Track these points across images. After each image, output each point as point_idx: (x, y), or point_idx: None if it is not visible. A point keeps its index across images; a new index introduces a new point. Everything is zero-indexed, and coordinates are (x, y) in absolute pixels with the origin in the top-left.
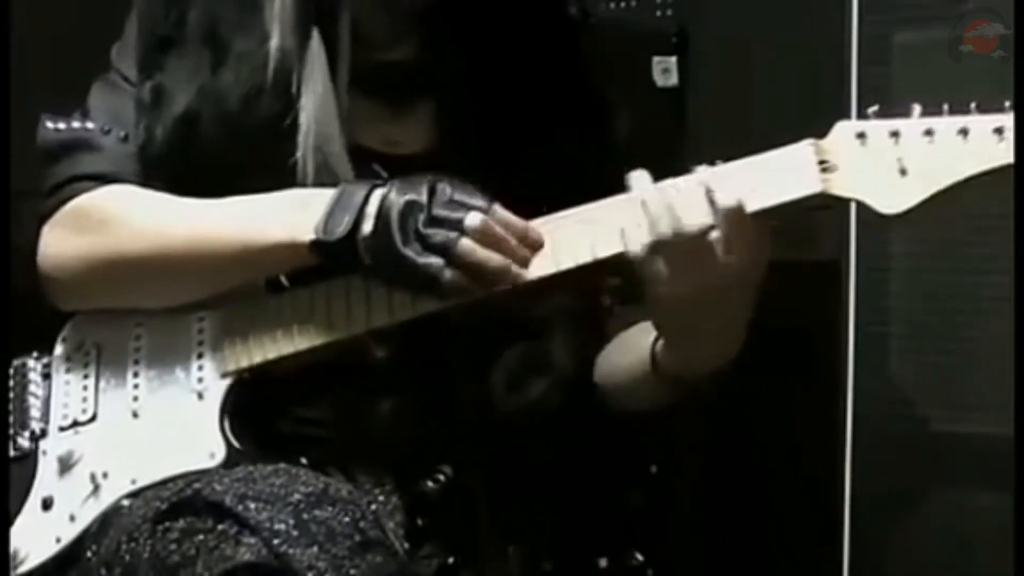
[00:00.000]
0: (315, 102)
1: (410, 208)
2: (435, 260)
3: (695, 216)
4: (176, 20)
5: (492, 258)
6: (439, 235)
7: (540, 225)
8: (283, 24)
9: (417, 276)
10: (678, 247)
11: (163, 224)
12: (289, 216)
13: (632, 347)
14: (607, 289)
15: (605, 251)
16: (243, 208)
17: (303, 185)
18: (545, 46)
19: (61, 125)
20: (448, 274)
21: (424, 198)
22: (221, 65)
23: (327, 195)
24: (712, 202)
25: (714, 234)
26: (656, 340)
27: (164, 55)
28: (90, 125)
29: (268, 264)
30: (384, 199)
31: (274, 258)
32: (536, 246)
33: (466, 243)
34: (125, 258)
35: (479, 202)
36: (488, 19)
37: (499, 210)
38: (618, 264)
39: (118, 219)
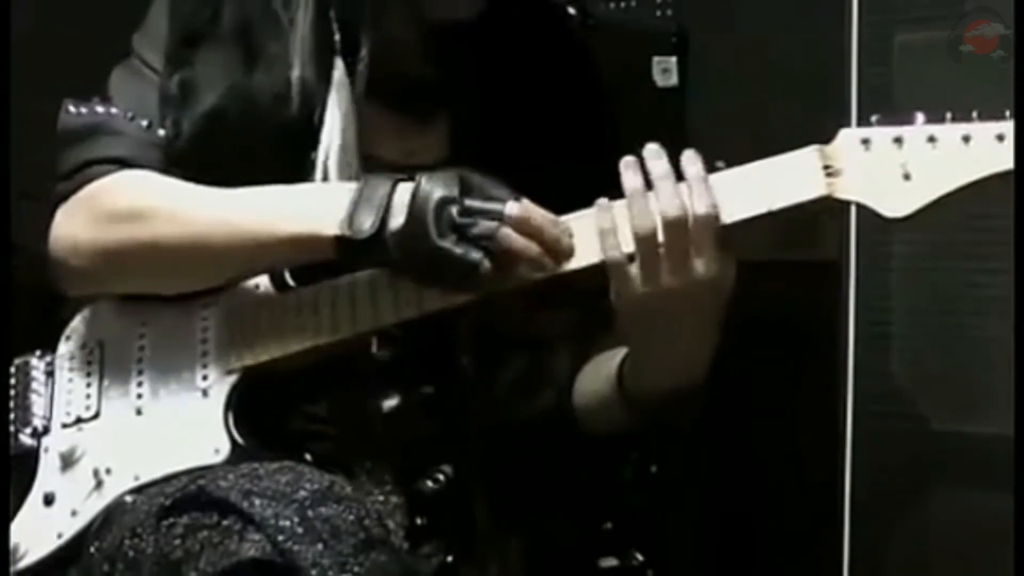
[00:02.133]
0: (339, 128)
1: (444, 201)
2: (474, 250)
3: (673, 209)
4: (210, 16)
5: (530, 246)
6: (479, 225)
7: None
8: (303, 56)
9: (456, 267)
10: (654, 246)
11: (183, 210)
12: (313, 210)
13: (603, 368)
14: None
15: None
16: (266, 198)
17: None
18: (556, 59)
19: (83, 109)
20: (487, 264)
21: (456, 191)
22: (253, 65)
23: (350, 188)
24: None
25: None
26: (624, 360)
27: (195, 50)
28: (113, 110)
29: (289, 256)
30: (416, 192)
31: (295, 250)
32: (567, 234)
33: (506, 231)
34: (143, 243)
35: (509, 193)
36: (504, 34)
37: (528, 201)
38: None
39: (138, 204)
